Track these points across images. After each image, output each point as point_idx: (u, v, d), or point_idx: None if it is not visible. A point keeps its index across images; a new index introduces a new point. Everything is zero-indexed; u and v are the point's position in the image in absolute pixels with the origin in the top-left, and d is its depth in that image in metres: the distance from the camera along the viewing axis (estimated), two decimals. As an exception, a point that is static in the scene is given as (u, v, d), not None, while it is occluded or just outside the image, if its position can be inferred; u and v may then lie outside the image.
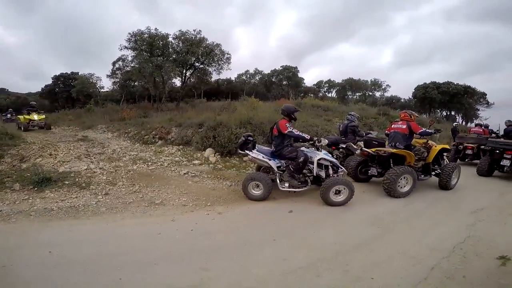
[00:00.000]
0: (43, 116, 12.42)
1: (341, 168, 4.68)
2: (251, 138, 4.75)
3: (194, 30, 17.70)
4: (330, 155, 4.80)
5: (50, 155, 5.88)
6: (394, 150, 4.94)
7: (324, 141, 4.59)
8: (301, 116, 10.55)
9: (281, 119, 4.60)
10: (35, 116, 11.78)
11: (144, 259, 2.62)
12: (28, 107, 12.49)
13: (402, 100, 45.06)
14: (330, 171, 4.56)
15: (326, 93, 45.41)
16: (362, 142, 5.86)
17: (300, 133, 4.42)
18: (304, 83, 43.86)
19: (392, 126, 5.59)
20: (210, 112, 10.43)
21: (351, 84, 42.53)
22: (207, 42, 18.03)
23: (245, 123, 7.65)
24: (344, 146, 6.71)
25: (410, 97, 40.35)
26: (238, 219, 3.72)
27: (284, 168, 4.51)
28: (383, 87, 43.39)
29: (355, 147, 6.66)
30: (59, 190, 4.40)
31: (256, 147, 4.73)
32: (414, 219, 3.90)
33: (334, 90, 45.29)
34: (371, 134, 7.55)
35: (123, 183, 4.88)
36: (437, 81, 32.94)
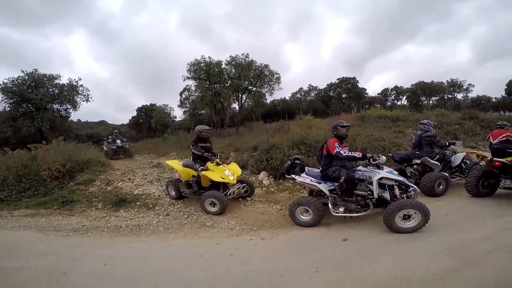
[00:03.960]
0: (239, 170, 5.50)
1: (412, 187, 3.94)
2: (298, 162, 4.53)
3: (243, 54, 18.38)
4: (396, 173, 4.08)
5: (129, 179, 6.90)
6: None
7: (382, 158, 3.96)
8: (365, 129, 9.67)
9: (331, 137, 4.25)
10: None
11: (178, 280, 2.68)
12: (197, 141, 5.31)
13: (494, 100, 37.11)
14: (397, 192, 3.87)
15: (395, 101, 40.99)
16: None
17: (350, 153, 3.94)
18: (367, 94, 40.83)
19: None
20: (265, 135, 10.53)
21: (423, 88, 37.36)
22: (256, 65, 18.46)
23: (298, 144, 7.40)
24: (418, 161, 5.69)
25: (504, 95, 33.11)
26: (280, 246, 3.46)
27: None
28: (464, 87, 36.73)
29: (433, 162, 5.56)
30: (130, 210, 5.09)
31: (305, 170, 4.45)
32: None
33: (404, 97, 40.52)
34: (456, 143, 6.24)
35: (184, 204, 5.29)
36: (536, 72, 26.08)
